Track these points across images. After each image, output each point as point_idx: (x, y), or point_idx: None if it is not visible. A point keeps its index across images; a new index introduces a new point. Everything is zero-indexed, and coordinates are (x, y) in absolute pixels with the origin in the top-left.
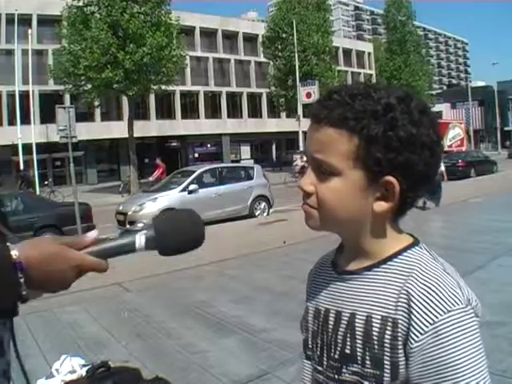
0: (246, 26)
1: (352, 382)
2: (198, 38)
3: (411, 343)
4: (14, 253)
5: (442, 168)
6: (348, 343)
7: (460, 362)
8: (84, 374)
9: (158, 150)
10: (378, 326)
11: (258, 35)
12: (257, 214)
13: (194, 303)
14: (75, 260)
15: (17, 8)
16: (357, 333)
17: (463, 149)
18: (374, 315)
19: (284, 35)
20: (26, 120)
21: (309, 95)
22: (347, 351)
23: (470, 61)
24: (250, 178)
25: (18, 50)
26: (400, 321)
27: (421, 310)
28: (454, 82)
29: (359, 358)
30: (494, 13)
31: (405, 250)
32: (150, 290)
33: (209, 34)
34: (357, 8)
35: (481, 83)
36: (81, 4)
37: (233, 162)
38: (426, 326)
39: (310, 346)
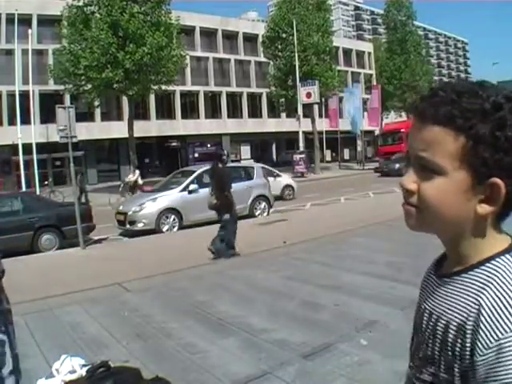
0: (246, 26)
1: (429, 383)
2: (198, 38)
3: (476, 356)
4: None
5: None
6: (430, 345)
7: None
8: (84, 373)
9: (158, 149)
10: (453, 332)
11: (258, 35)
12: (257, 214)
13: (194, 303)
14: None
15: (17, 8)
16: (437, 336)
17: None
18: (452, 321)
19: (284, 35)
20: (26, 120)
21: (309, 95)
22: (428, 352)
23: (470, 61)
24: (250, 177)
25: (18, 50)
26: (469, 331)
27: (488, 323)
28: None
29: (436, 361)
30: (494, 13)
31: (497, 255)
32: (150, 290)
33: (209, 34)
34: (357, 8)
35: None
36: (81, 4)
37: (233, 162)
38: (491, 342)
39: (410, 342)
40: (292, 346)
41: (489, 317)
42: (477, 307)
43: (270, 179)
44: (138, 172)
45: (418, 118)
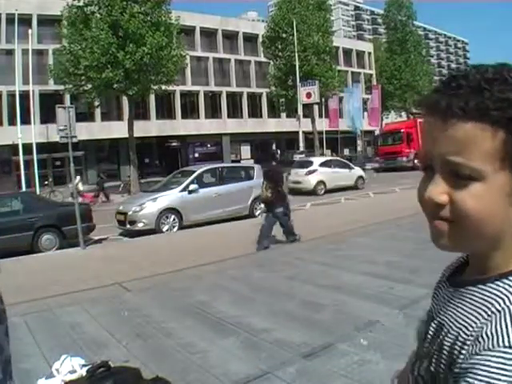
0: (246, 26)
1: None
2: (198, 38)
3: (462, 365)
4: None
5: None
6: (434, 360)
7: None
8: (84, 373)
9: (158, 149)
10: (458, 347)
11: (258, 35)
12: (257, 214)
13: (194, 303)
14: None
15: (17, 8)
16: (443, 351)
17: None
18: (460, 336)
19: (284, 35)
20: (26, 120)
21: (309, 95)
22: (432, 369)
23: (470, 61)
24: (250, 177)
25: (18, 50)
26: (471, 342)
27: (490, 333)
28: None
29: (442, 379)
30: (494, 13)
31: None
32: (150, 290)
33: (209, 34)
34: (357, 8)
35: None
36: (81, 4)
37: (233, 161)
38: (472, 354)
39: (415, 351)
40: (292, 345)
41: (495, 327)
42: (487, 318)
43: (345, 171)
44: (78, 178)
45: (438, 115)
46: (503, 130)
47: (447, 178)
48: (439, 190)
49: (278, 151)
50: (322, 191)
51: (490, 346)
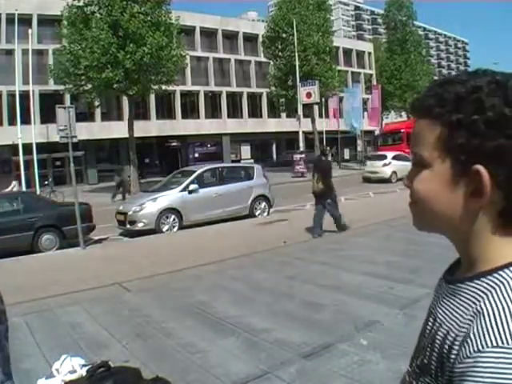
0: (246, 26)
1: None
2: (198, 38)
3: (456, 364)
4: None
5: None
6: (428, 353)
7: None
8: (84, 373)
9: (158, 149)
10: (448, 342)
11: (258, 35)
12: (257, 213)
13: (194, 303)
14: None
15: (17, 8)
16: (435, 344)
17: None
18: (450, 332)
19: (284, 35)
20: (26, 120)
21: (309, 95)
22: (425, 361)
23: (470, 61)
24: (250, 177)
25: (18, 50)
26: (460, 340)
27: (476, 333)
28: None
29: (433, 370)
30: (494, 13)
31: (508, 266)
32: (150, 290)
33: (209, 34)
34: (357, 8)
35: None
36: (81, 4)
37: (233, 161)
38: (471, 353)
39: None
40: (292, 345)
41: (480, 326)
42: (473, 316)
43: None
44: (14, 183)
45: (412, 116)
46: (441, 124)
47: (414, 168)
48: (408, 177)
49: (329, 148)
50: (395, 180)
51: (480, 347)
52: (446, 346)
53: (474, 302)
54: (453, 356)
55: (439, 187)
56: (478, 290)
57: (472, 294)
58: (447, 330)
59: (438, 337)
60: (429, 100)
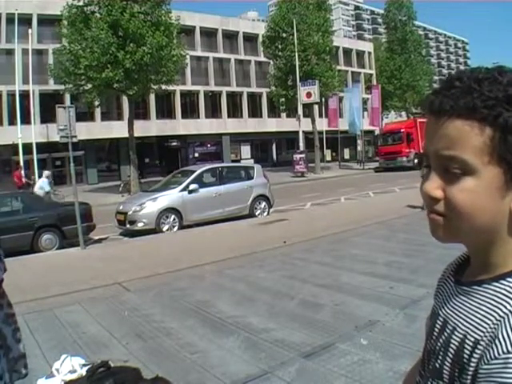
0: (246, 26)
1: None
2: (198, 38)
3: (481, 365)
4: None
5: None
6: (440, 357)
7: None
8: (84, 373)
9: (158, 149)
10: (469, 348)
11: (258, 35)
12: (257, 213)
13: (194, 303)
14: None
15: (17, 8)
16: (450, 349)
17: None
18: (468, 335)
19: (284, 35)
20: (26, 120)
21: (309, 95)
22: (437, 365)
23: (470, 61)
24: (250, 177)
25: (19, 50)
26: (484, 344)
27: (505, 335)
28: None
29: (445, 376)
30: (494, 13)
31: None
32: (150, 289)
33: (209, 34)
34: (357, 8)
35: None
36: (81, 4)
37: (233, 161)
38: (499, 354)
39: (423, 347)
40: (292, 345)
41: (509, 328)
42: (499, 319)
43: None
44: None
45: (434, 114)
46: (490, 127)
47: (441, 173)
48: (434, 186)
49: None
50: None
51: (510, 349)
52: (466, 351)
53: (497, 305)
54: (474, 360)
55: (486, 195)
56: (501, 292)
57: (494, 296)
58: (464, 333)
59: (453, 341)
60: (468, 99)
